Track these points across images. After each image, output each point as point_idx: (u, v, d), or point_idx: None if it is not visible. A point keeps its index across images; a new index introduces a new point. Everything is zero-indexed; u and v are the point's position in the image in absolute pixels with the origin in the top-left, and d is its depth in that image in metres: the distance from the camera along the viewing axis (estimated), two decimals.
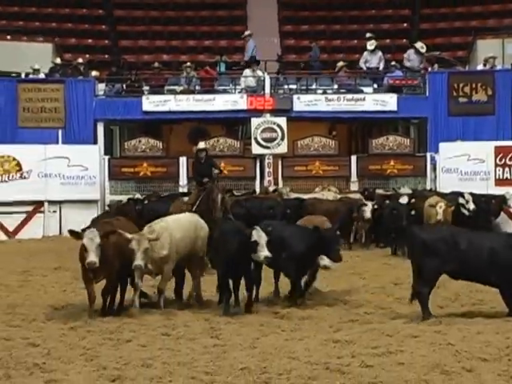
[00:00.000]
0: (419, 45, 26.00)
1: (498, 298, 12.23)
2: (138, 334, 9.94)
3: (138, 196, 21.77)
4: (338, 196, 21.49)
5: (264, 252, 11.04)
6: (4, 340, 9.67)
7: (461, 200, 19.35)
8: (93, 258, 10.61)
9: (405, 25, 31.32)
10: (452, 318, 10.81)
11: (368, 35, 26.43)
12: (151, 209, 19.90)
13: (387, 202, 19.40)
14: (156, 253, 11.40)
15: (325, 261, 11.97)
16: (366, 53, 26.31)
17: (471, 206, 19.46)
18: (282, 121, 24.43)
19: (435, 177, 23.91)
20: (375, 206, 18.25)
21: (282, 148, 24.47)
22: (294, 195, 21.59)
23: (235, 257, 11.24)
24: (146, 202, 21.12)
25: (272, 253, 11.11)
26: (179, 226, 12.11)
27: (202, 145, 17.95)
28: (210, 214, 15.71)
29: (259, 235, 11.16)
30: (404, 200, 18.91)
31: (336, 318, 10.91)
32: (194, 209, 16.22)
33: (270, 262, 11.48)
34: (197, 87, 25.78)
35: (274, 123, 24.44)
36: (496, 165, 23.23)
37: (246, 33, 27.36)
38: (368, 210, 17.88)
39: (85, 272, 11.03)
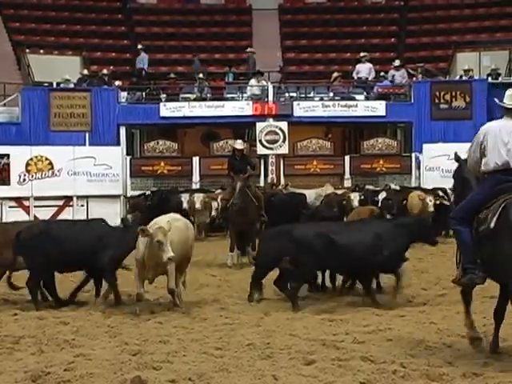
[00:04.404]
0: (396, 62, 25.99)
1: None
2: (156, 314, 9.93)
3: (148, 192, 21.79)
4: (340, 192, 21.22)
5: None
6: (38, 319, 9.67)
7: (441, 194, 19.39)
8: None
9: (392, 40, 31.23)
10: (434, 299, 10.79)
11: (362, 54, 26.35)
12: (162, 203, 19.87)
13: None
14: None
15: None
16: (358, 65, 26.29)
17: (451, 199, 19.51)
18: (284, 125, 24.38)
19: (419, 174, 23.87)
20: (362, 197, 18.30)
21: (284, 149, 24.42)
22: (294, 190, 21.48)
23: None
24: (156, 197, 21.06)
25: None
26: (176, 227, 10.27)
27: (240, 145, 16.56)
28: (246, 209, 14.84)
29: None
30: (382, 196, 18.91)
31: (332, 301, 10.82)
32: (229, 204, 15.35)
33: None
34: (208, 95, 25.75)
35: (277, 127, 24.38)
36: None
37: (139, 46, 27.33)
38: (356, 200, 17.91)
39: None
